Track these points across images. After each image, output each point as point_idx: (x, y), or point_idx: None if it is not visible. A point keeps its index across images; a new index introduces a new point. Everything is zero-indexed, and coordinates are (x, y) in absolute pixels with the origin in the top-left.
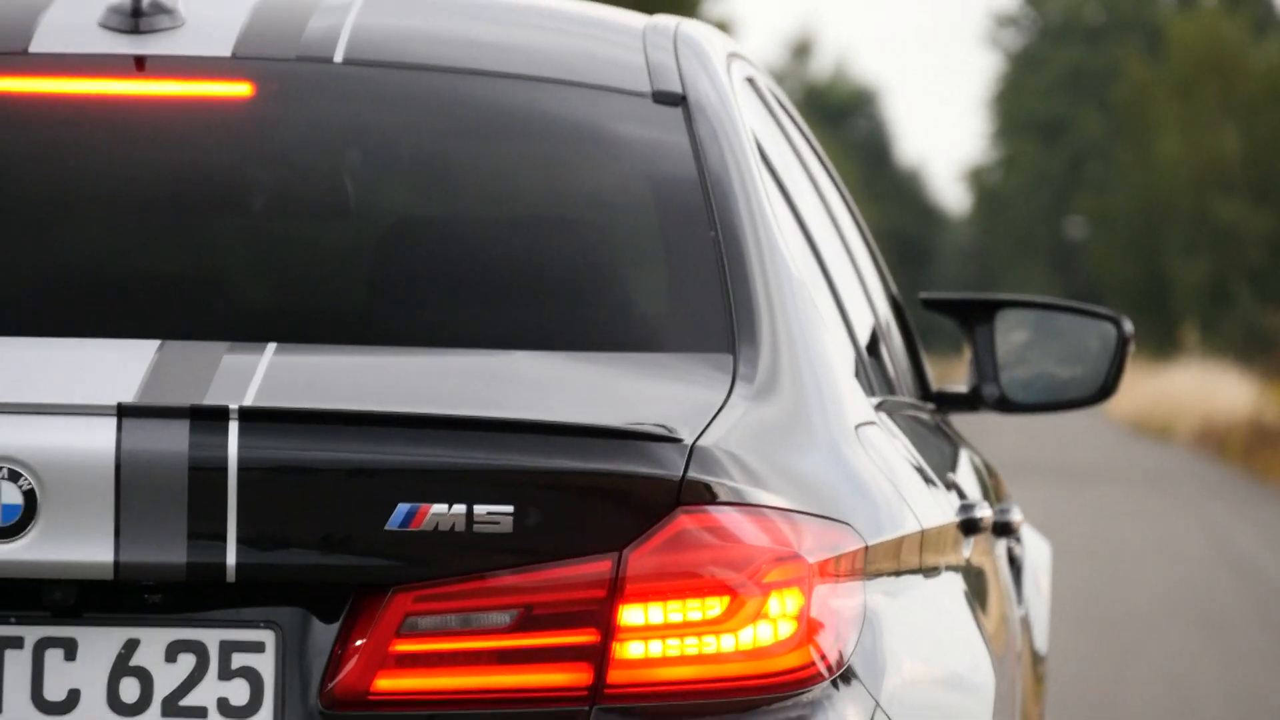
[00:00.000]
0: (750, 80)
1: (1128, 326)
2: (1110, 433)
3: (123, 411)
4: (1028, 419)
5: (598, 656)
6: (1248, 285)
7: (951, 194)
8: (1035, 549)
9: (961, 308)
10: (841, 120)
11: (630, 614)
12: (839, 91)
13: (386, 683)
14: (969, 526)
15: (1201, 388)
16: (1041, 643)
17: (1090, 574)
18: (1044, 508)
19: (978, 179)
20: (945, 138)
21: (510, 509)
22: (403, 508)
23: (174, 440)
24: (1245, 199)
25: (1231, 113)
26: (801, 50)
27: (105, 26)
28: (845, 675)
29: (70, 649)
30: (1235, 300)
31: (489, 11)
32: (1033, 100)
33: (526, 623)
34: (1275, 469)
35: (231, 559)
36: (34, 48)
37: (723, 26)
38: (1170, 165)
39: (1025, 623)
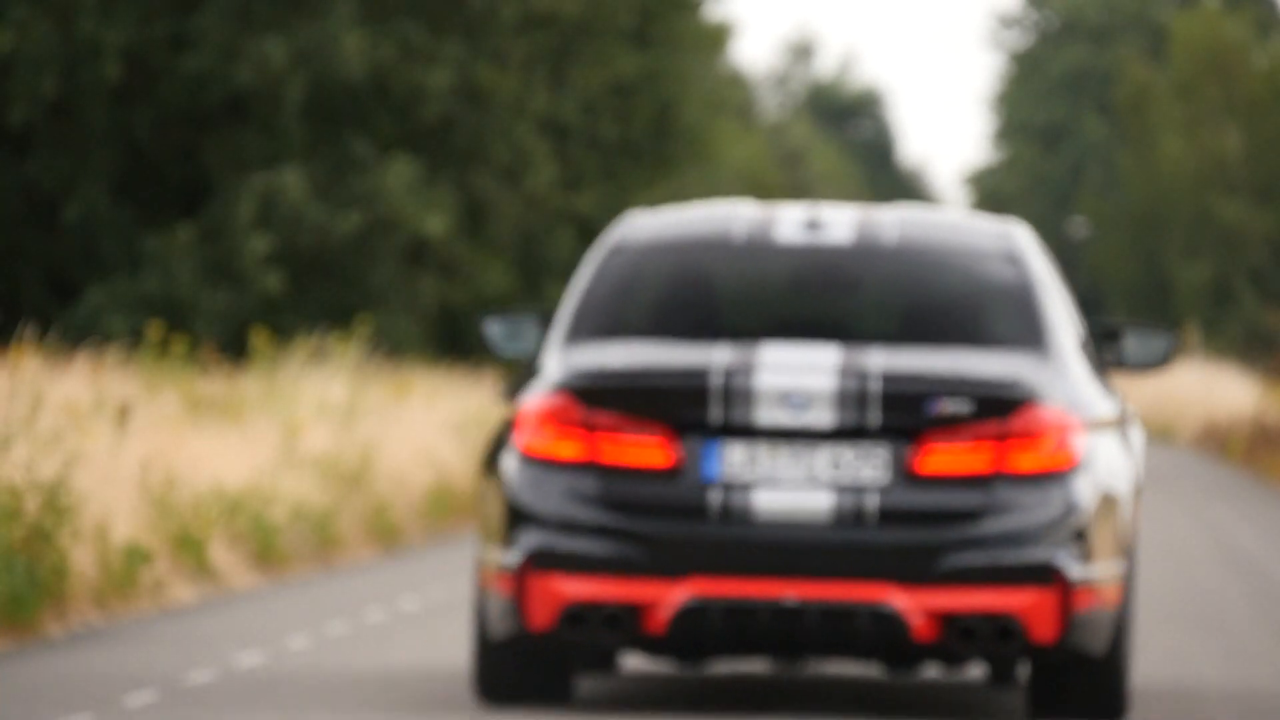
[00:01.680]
0: (1037, 245)
1: (1177, 338)
2: None
3: (838, 371)
4: None
5: (998, 457)
6: (1250, 286)
7: (953, 196)
8: (1138, 434)
9: (1108, 332)
10: (845, 121)
11: (1009, 442)
12: (843, 93)
13: (926, 463)
14: (1121, 415)
15: (1204, 388)
16: (1140, 478)
17: None
18: None
19: (980, 181)
20: (947, 139)
21: (970, 404)
22: (933, 402)
23: (855, 380)
24: (1247, 199)
25: (1234, 113)
26: (802, 52)
27: (803, 227)
28: (1082, 467)
29: (816, 449)
30: (1237, 301)
31: (945, 226)
32: (1034, 101)
33: (971, 445)
34: (1277, 469)
35: (876, 422)
36: (774, 239)
37: (723, 28)
38: (1172, 166)
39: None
